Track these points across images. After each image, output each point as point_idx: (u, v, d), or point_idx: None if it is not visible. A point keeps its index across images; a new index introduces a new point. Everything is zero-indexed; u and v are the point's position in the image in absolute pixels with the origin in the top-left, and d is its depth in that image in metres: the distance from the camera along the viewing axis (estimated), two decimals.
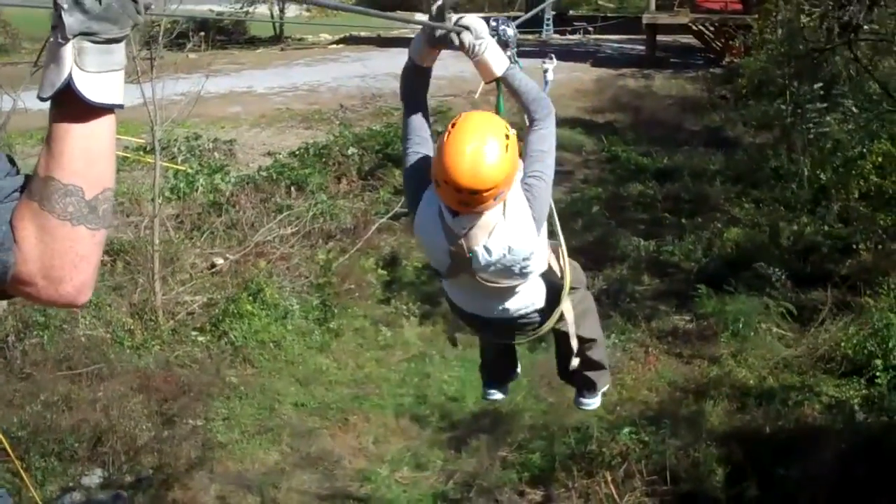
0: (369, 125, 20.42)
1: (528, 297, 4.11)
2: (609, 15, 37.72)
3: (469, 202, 3.60)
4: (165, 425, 10.74)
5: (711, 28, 29.78)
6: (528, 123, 3.93)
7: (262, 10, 32.39)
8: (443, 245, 3.84)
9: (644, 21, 29.65)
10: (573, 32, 34.86)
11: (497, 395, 5.42)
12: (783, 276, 13.08)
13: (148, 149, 16.02)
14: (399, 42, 28.63)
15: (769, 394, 10.86)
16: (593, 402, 5.21)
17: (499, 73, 3.83)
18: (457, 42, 3.75)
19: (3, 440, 8.71)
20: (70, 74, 1.47)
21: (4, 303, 10.35)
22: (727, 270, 13.59)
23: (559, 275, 4.19)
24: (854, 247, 13.69)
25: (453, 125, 3.63)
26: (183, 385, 11.37)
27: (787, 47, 17.76)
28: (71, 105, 1.50)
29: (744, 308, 12.46)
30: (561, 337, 4.63)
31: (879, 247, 13.59)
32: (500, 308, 4.12)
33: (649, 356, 12.06)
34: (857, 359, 11.15)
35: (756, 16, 22.60)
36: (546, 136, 3.86)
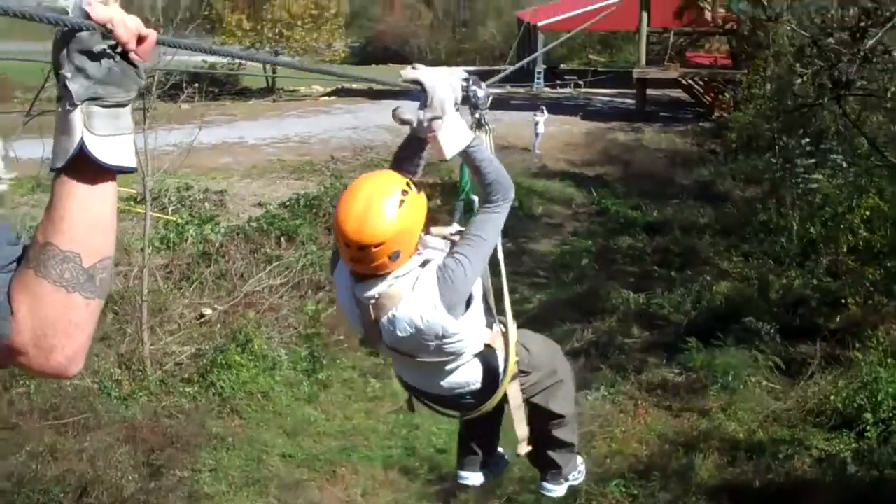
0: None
1: (462, 377, 3.75)
2: (600, 69, 38.09)
3: (359, 259, 3.33)
4: (152, 476, 10.65)
5: (701, 82, 30.13)
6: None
7: None
8: (354, 311, 3.58)
9: (634, 75, 29.93)
10: (564, 86, 35.19)
11: (469, 480, 4.69)
12: (772, 330, 13.07)
13: (139, 199, 16.03)
14: (390, 95, 28.79)
15: (759, 447, 10.84)
16: (556, 490, 4.67)
17: (448, 155, 3.39)
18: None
19: None
20: (82, 139, 1.47)
21: None
22: (716, 323, 13.61)
23: (506, 356, 3.81)
24: (843, 301, 13.70)
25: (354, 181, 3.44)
26: (170, 436, 11.30)
27: (776, 102, 17.91)
28: (80, 171, 1.49)
29: (733, 361, 12.46)
30: (533, 413, 4.22)
31: (868, 301, 13.62)
32: (435, 384, 3.79)
33: (639, 409, 12.02)
34: (847, 412, 11.15)
35: (745, 71, 22.90)
36: (487, 222, 3.49)
